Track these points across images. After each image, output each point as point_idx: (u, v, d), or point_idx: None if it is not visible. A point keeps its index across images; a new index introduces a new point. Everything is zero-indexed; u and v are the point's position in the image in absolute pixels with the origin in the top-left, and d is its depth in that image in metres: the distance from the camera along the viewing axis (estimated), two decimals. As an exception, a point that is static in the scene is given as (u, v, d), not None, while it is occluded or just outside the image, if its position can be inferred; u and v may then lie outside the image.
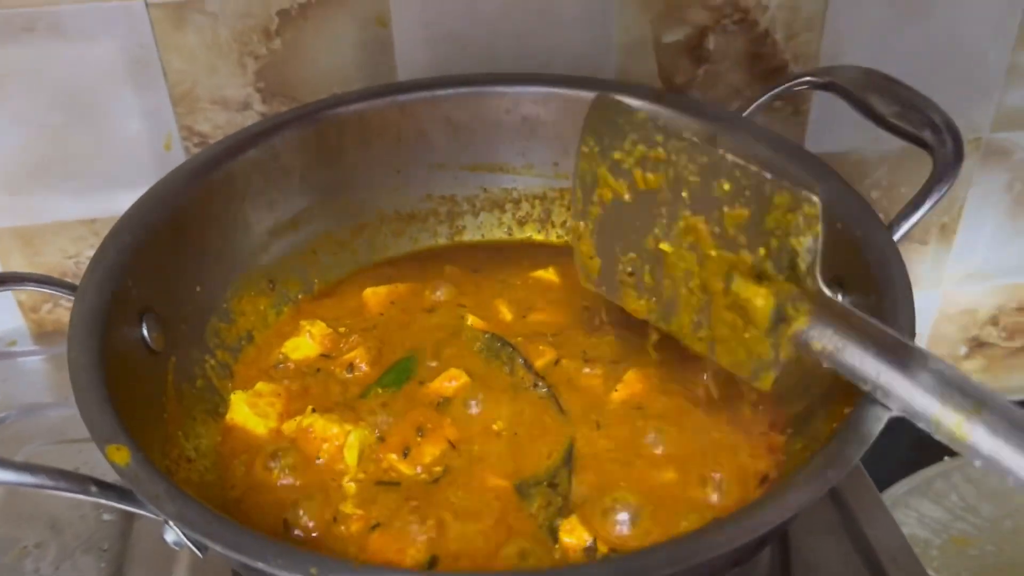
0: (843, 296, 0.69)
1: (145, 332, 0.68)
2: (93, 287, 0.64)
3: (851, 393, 0.62)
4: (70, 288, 0.65)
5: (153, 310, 0.69)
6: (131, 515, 0.81)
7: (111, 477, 0.82)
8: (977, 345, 1.22)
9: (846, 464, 0.50)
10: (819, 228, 0.55)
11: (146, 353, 0.68)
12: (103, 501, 0.51)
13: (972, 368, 1.24)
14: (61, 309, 1.04)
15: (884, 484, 1.09)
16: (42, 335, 1.04)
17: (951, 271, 1.14)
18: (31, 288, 0.64)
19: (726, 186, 0.60)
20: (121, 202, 0.95)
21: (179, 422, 0.68)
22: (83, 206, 0.96)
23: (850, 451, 0.50)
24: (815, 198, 0.54)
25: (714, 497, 0.64)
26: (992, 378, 1.26)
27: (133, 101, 0.90)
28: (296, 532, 0.62)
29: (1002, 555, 1.09)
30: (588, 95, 0.83)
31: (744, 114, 0.81)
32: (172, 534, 0.54)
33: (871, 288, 0.64)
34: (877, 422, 0.53)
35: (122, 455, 0.51)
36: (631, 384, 0.74)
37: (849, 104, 0.77)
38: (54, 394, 0.99)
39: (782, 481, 0.50)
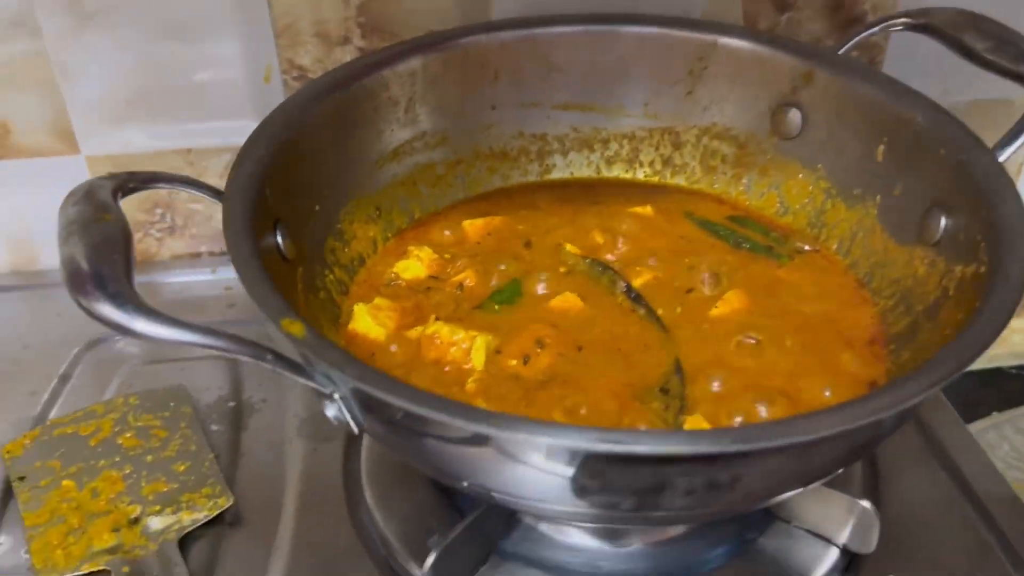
0: (946, 219, 0.72)
1: (279, 239, 0.70)
2: (239, 192, 0.67)
3: (957, 309, 0.65)
4: (215, 192, 0.68)
5: (283, 220, 0.72)
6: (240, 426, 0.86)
7: (214, 395, 0.87)
8: (1030, 303, 1.24)
9: (986, 342, 0.52)
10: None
11: (281, 260, 0.71)
12: (278, 370, 0.54)
13: (1020, 327, 1.26)
14: (151, 239, 1.07)
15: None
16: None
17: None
18: (178, 188, 0.67)
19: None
20: (216, 133, 1.00)
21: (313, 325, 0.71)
22: (179, 136, 0.99)
23: (988, 332, 0.53)
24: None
25: (828, 395, 0.67)
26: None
27: (236, 32, 0.93)
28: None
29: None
30: (684, 34, 0.88)
31: (840, 52, 0.84)
32: (333, 408, 0.57)
33: (979, 205, 0.67)
34: (1006, 311, 0.56)
35: (297, 327, 0.54)
36: (731, 302, 0.77)
37: (944, 43, 0.80)
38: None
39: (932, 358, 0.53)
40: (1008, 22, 0.79)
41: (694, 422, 0.65)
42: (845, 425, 0.47)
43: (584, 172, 0.96)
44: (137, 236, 1.08)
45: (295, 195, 0.76)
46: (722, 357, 0.73)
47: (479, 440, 0.50)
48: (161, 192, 1.05)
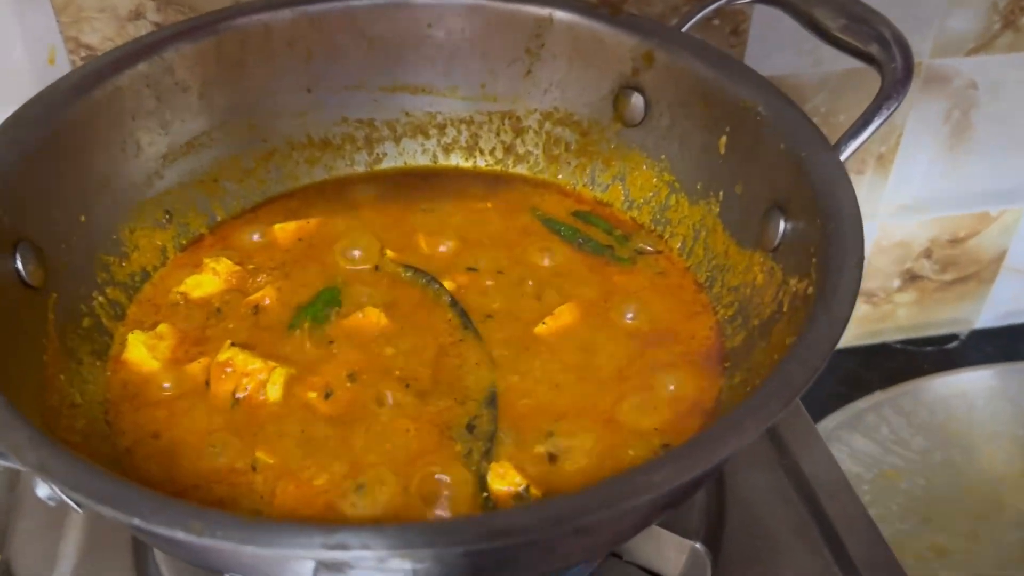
0: (785, 222, 0.65)
1: (19, 264, 0.60)
2: (-46, 213, 0.56)
3: (787, 330, 0.58)
4: (-75, 214, 0.57)
5: (29, 240, 0.62)
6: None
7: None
8: (910, 278, 1.21)
9: (793, 393, 0.45)
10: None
11: (21, 288, 0.60)
12: (-44, 453, 0.45)
13: (904, 301, 1.23)
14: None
15: (815, 418, 1.09)
16: None
17: (886, 202, 1.11)
18: None
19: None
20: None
21: (61, 365, 0.61)
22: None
23: (798, 380, 0.46)
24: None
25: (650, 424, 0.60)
26: (922, 311, 1.25)
27: (10, 8, 0.81)
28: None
29: (932, 488, 1.09)
30: (518, 8, 0.79)
31: (683, 30, 0.75)
32: (44, 489, 0.48)
33: (816, 212, 0.60)
34: (824, 351, 0.49)
35: (-27, 399, 0.44)
36: (561, 317, 0.69)
37: (793, 17, 0.73)
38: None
39: (726, 414, 0.46)
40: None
41: (498, 472, 0.57)
42: (592, 515, 0.40)
43: (419, 161, 0.86)
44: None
45: (51, 207, 0.65)
46: (543, 381, 0.65)
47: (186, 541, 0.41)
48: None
